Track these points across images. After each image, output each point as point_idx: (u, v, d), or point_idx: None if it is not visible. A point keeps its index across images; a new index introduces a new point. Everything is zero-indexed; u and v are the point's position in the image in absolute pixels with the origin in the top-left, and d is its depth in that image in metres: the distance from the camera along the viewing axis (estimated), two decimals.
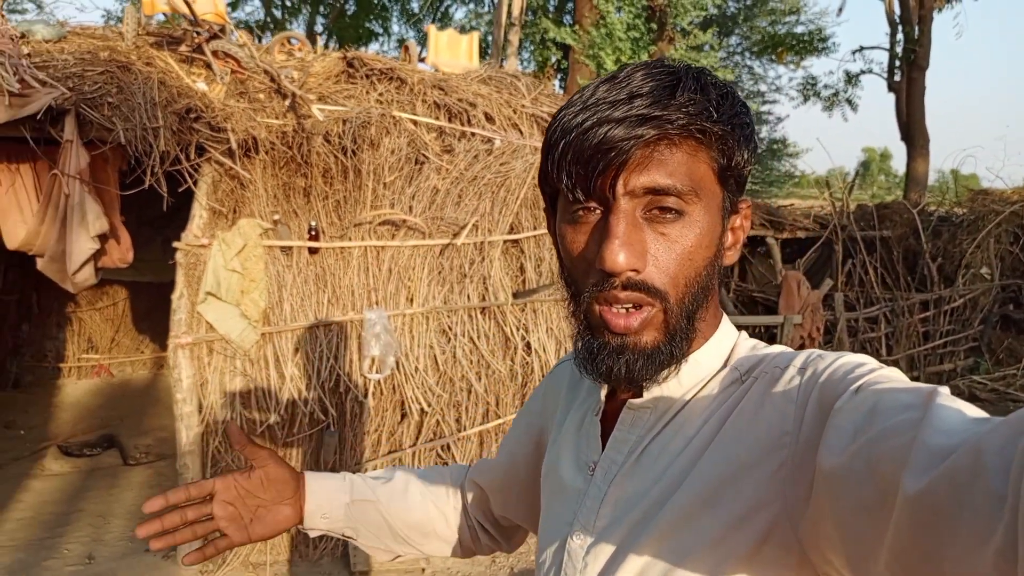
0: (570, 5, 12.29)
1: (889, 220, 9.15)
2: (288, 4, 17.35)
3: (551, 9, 10.89)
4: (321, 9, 17.37)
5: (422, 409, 4.04)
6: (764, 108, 15.32)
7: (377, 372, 3.92)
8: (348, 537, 1.11)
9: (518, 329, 4.30)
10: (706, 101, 0.71)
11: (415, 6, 16.84)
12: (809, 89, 12.54)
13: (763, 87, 15.41)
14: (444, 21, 15.49)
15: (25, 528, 4.45)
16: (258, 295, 3.69)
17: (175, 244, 3.66)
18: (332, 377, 3.90)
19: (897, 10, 13.70)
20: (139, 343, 7.94)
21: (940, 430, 0.48)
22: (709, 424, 0.75)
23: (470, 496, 1.18)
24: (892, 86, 14.02)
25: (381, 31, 17.79)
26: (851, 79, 11.91)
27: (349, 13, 17.06)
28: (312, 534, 1.08)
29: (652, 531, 0.73)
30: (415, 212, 4.14)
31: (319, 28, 16.90)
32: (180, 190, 3.61)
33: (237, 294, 3.64)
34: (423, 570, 3.88)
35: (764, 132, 15.97)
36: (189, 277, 3.67)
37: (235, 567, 3.81)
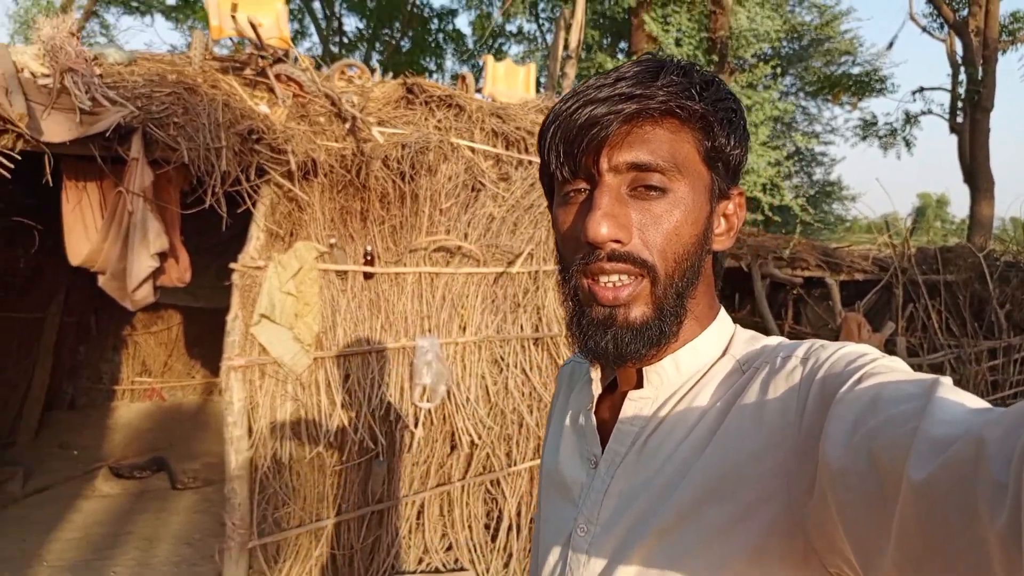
0: (622, 43, 12.34)
1: (953, 264, 8.84)
2: (345, 40, 17.83)
3: (605, 44, 10.94)
4: (377, 45, 17.80)
5: (472, 441, 3.93)
6: (819, 149, 15.10)
7: (428, 401, 3.84)
8: None
9: None
10: (688, 83, 0.73)
11: (469, 42, 17.14)
12: (867, 129, 12.30)
13: (818, 127, 15.21)
14: (498, 57, 15.70)
15: (75, 548, 4.45)
16: (312, 319, 3.65)
17: (232, 265, 3.66)
18: (383, 405, 3.83)
19: (959, 51, 13.43)
20: (191, 368, 8.04)
21: (942, 420, 0.48)
22: (711, 415, 0.74)
23: None
24: (954, 127, 13.69)
25: (435, 68, 18.14)
26: (910, 119, 11.64)
27: (404, 50, 17.44)
28: None
29: (657, 524, 0.72)
30: (470, 239, 4.09)
31: (374, 64, 17.31)
32: (239, 211, 3.62)
33: (291, 317, 3.61)
34: None
35: (818, 174, 15.72)
36: (244, 299, 3.66)
37: None
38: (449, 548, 4.09)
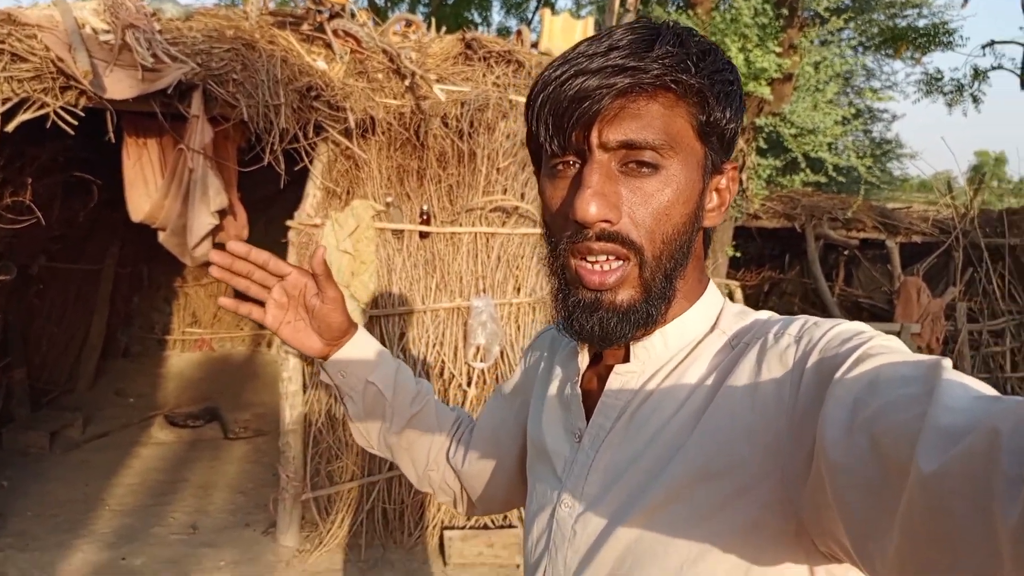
0: None
1: (1018, 227, 8.50)
2: None
3: None
4: None
5: None
6: (878, 105, 14.53)
7: (482, 361, 3.83)
8: (344, 400, 1.10)
9: None
10: (684, 54, 0.70)
11: None
12: (932, 84, 11.79)
13: (876, 83, 14.62)
14: (552, 11, 15.33)
15: (133, 494, 4.59)
16: (368, 277, 3.65)
17: (288, 223, 3.65)
18: (437, 364, 3.84)
19: None
20: (239, 320, 8.15)
21: (949, 408, 0.47)
22: (701, 391, 0.73)
23: (458, 446, 1.15)
24: None
25: (480, 21, 17.77)
26: (979, 74, 11.13)
27: (449, 2, 17.10)
28: (322, 377, 1.10)
29: (647, 501, 0.71)
30: (527, 199, 4.02)
31: (419, 17, 16.99)
32: (296, 169, 3.60)
33: (347, 276, 3.61)
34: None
35: (876, 131, 15.17)
36: (301, 256, 3.66)
37: (332, 548, 3.80)
38: None
